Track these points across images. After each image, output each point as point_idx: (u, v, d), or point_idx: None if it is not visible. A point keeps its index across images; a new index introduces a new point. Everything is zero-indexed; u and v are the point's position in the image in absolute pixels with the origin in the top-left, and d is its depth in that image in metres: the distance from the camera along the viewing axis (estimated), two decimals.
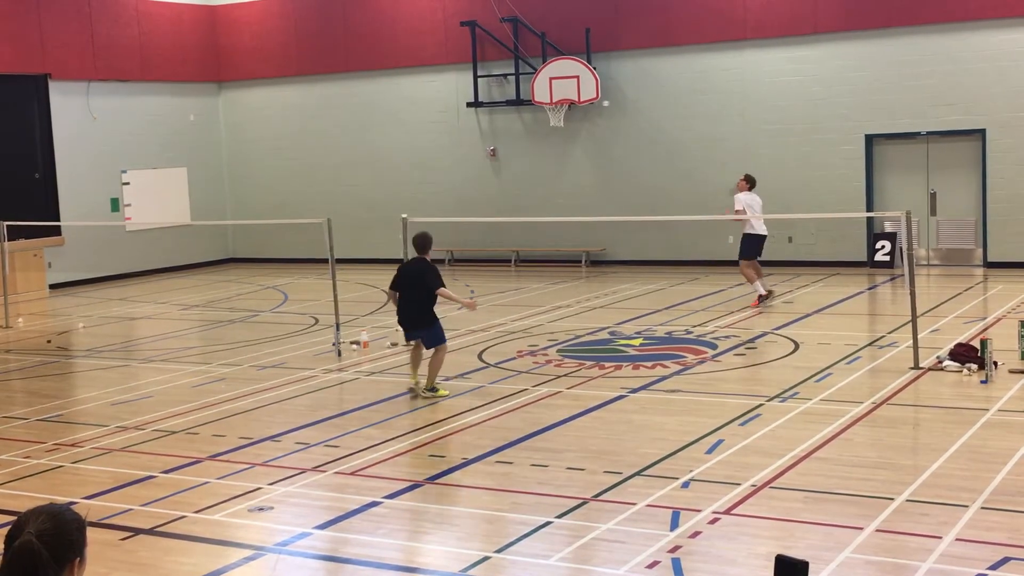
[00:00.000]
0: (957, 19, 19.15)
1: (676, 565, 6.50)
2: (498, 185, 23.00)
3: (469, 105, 22.75)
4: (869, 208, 19.89)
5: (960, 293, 16.84)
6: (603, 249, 22.13)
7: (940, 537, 6.73)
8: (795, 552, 5.73)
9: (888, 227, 20.10)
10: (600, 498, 7.78)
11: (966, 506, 7.26)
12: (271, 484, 8.45)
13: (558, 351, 13.35)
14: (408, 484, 8.39)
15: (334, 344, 13.79)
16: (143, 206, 23.57)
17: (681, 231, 21.03)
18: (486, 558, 6.80)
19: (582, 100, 21.32)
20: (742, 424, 9.63)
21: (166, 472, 8.92)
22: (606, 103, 21.54)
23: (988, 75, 19.04)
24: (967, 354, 11.46)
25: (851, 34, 19.99)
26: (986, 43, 19.02)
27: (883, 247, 20.02)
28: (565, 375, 11.96)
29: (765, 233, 16.35)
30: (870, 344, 13.16)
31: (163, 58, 24.19)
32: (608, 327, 14.86)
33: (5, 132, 21.62)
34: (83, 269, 22.53)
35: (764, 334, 14.09)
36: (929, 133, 19.67)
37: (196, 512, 7.87)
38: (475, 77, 22.53)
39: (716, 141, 21.01)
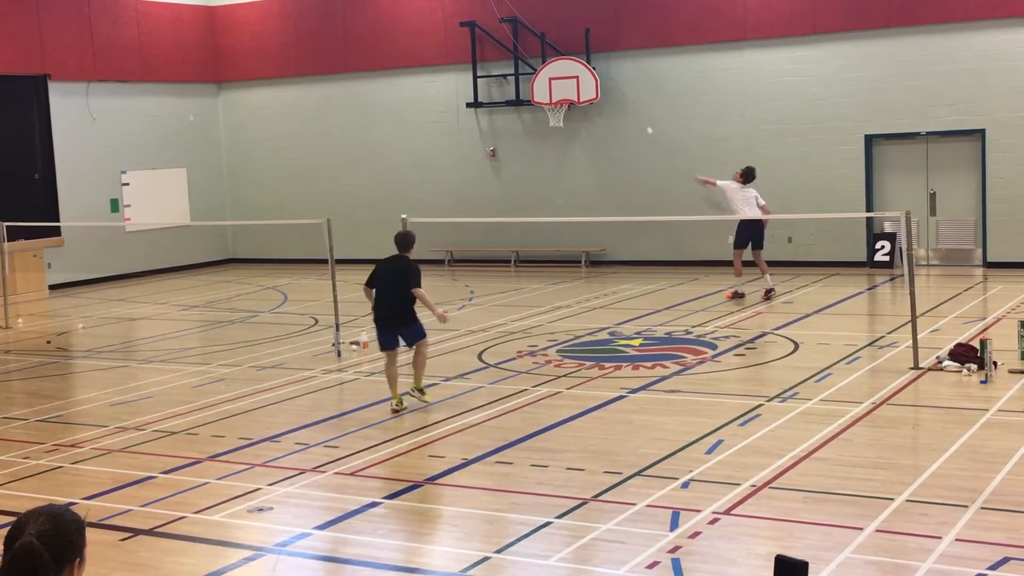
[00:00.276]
0: (957, 19, 19.15)
1: (676, 565, 6.50)
2: (498, 185, 23.00)
3: (469, 105, 22.76)
4: (869, 208, 19.89)
5: (960, 293, 16.84)
6: (603, 249, 22.13)
7: (940, 537, 6.73)
8: (795, 552, 5.73)
9: (888, 227, 20.10)
10: (600, 498, 7.79)
11: (966, 506, 7.26)
12: (271, 485, 8.45)
13: (558, 351, 13.35)
14: (408, 484, 8.39)
15: (334, 344, 13.79)
16: (143, 207, 23.58)
17: (681, 231, 21.03)
18: (486, 558, 6.80)
19: (582, 100, 21.32)
20: (742, 424, 9.63)
21: (166, 473, 8.92)
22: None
23: (988, 75, 19.04)
24: (967, 354, 11.47)
25: (851, 34, 20.00)
26: (986, 43, 19.03)
27: (883, 247, 20.02)
28: (565, 375, 11.96)
29: (752, 218, 16.77)
30: (870, 344, 13.16)
31: (163, 58, 24.19)
32: (608, 327, 14.86)
33: (5, 133, 21.61)
34: (83, 270, 22.54)
35: (764, 334, 14.09)
36: (929, 133, 19.67)
37: (196, 513, 7.87)
38: (475, 77, 22.53)
39: (716, 141, 21.01)
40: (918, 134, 19.76)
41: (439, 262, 23.01)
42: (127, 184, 23.47)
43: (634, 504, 7.60)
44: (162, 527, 7.58)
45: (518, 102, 22.30)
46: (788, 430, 9.39)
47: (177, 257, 24.57)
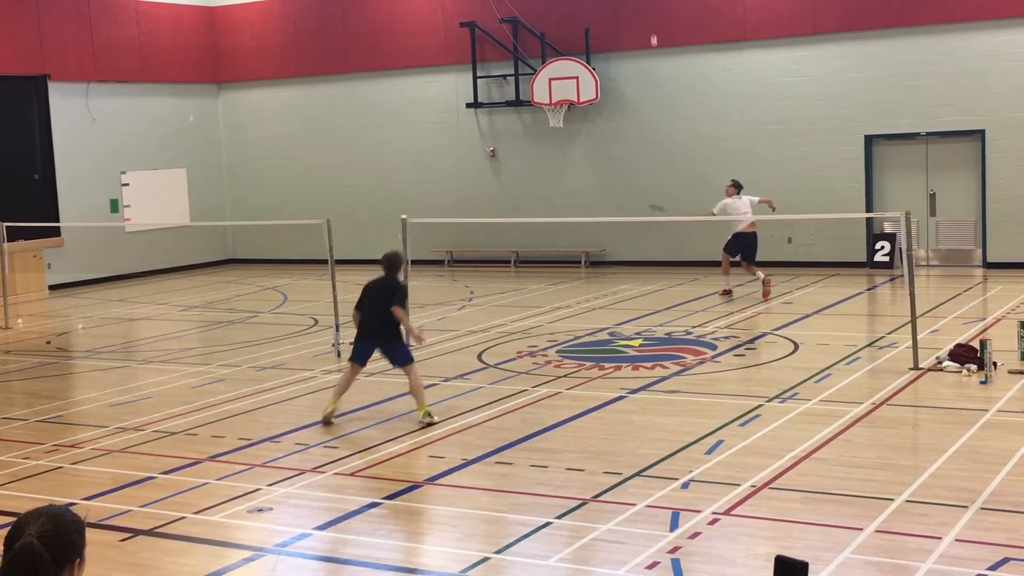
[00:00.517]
0: (957, 19, 19.15)
1: (676, 566, 6.50)
2: (498, 185, 23.00)
3: (469, 106, 22.76)
4: (869, 208, 19.89)
5: (959, 294, 16.84)
6: (603, 250, 22.13)
7: (939, 538, 6.73)
8: (795, 552, 5.73)
9: (888, 228, 20.10)
10: (600, 499, 7.79)
11: (965, 507, 7.26)
12: (270, 485, 8.45)
13: (558, 352, 13.35)
14: (408, 485, 8.39)
15: (334, 345, 13.79)
16: (142, 207, 23.58)
17: (681, 232, 21.02)
18: (485, 559, 6.80)
19: (581, 101, 21.32)
20: (742, 425, 9.63)
21: (165, 473, 8.92)
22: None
23: (988, 75, 19.05)
24: (967, 354, 11.47)
25: (851, 34, 20.00)
26: (986, 43, 19.03)
27: (883, 248, 20.03)
28: (565, 376, 11.96)
29: (746, 231, 17.03)
30: (870, 345, 13.16)
31: (163, 59, 24.19)
32: (608, 328, 14.87)
33: (4, 133, 21.62)
34: (82, 270, 22.53)
35: (764, 335, 14.10)
36: (929, 133, 19.67)
37: (196, 513, 7.87)
38: (475, 78, 22.53)
39: (716, 141, 21.01)
40: (918, 134, 19.76)
41: (439, 262, 23.02)
42: (127, 184, 23.47)
43: (634, 504, 7.60)
44: (162, 527, 7.58)
45: (518, 102, 22.30)
46: (788, 430, 9.39)
47: (177, 257, 24.56)
